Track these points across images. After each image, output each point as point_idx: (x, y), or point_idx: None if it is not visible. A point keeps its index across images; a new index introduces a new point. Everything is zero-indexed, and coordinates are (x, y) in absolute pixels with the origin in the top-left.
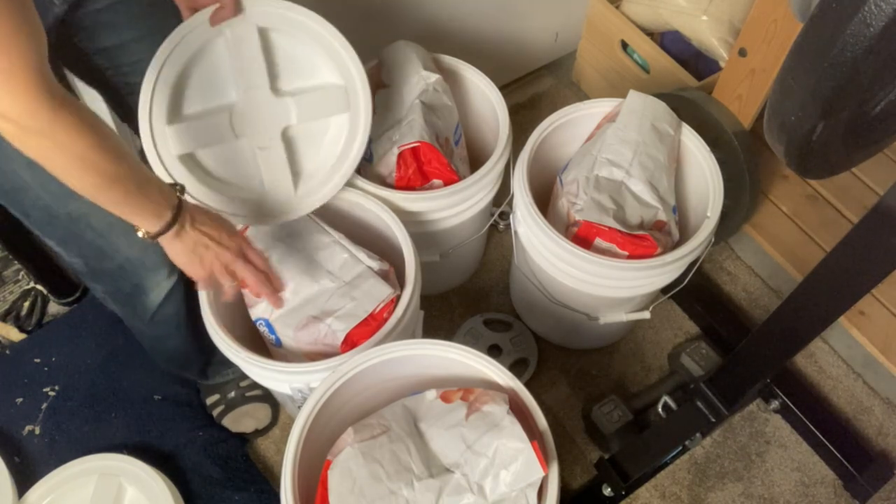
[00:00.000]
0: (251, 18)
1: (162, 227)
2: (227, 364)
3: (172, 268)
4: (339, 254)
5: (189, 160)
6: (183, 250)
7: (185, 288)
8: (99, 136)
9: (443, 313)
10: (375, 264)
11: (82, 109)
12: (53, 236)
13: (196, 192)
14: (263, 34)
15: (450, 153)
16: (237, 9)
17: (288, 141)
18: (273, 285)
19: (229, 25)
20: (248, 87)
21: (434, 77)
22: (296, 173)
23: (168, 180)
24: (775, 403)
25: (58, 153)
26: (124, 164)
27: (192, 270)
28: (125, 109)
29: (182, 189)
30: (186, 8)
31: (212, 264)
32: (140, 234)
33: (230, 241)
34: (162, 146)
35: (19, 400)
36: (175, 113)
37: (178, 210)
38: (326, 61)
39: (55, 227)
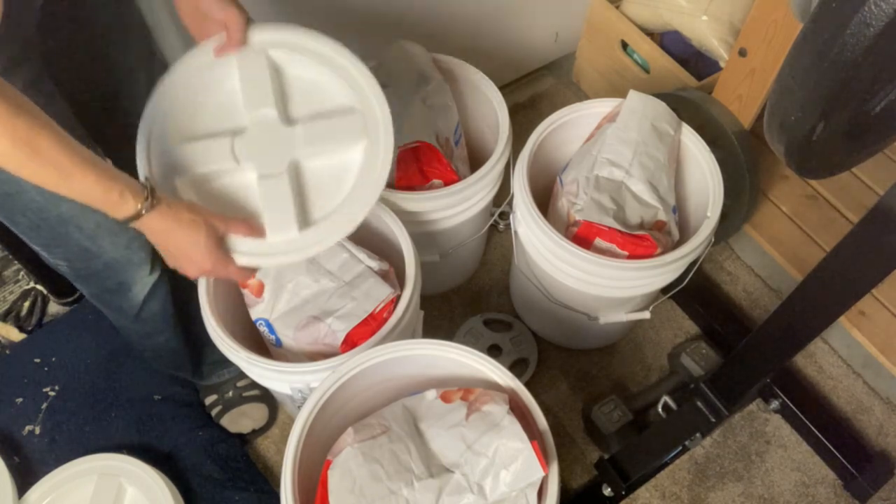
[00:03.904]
0: (258, 46)
1: (137, 208)
2: (223, 364)
3: (155, 264)
4: (339, 254)
5: (186, 187)
6: (175, 224)
7: (171, 285)
8: (38, 118)
9: (443, 313)
10: (375, 264)
11: (16, 95)
12: (39, 240)
13: None
14: (272, 60)
15: (450, 153)
16: (242, 41)
17: (296, 173)
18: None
19: (236, 54)
20: (256, 112)
21: (434, 77)
22: (301, 210)
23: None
24: (775, 403)
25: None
26: (76, 150)
27: (198, 254)
28: (95, 118)
29: (147, 181)
30: (195, 33)
31: (209, 236)
32: (121, 219)
33: (205, 211)
34: (157, 167)
35: (19, 400)
36: (175, 136)
37: (150, 195)
38: (340, 85)
39: (42, 231)
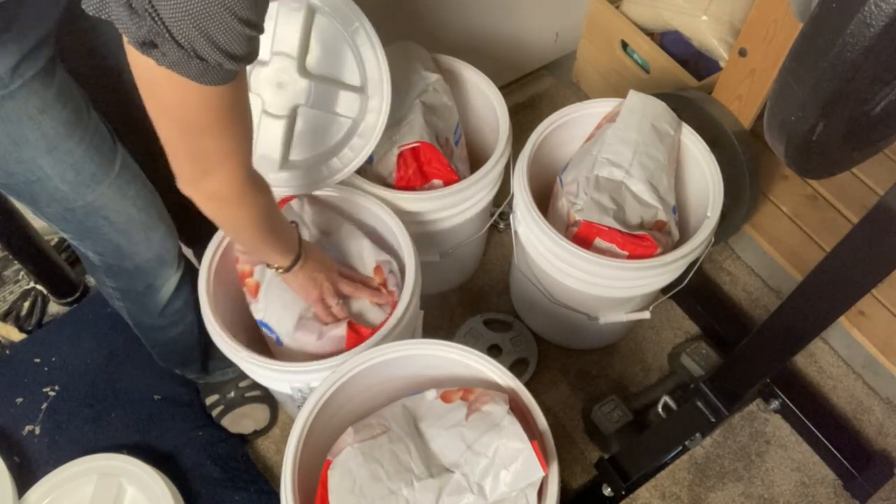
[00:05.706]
0: None
1: (291, 262)
2: (228, 360)
3: (180, 260)
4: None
5: None
6: (303, 278)
7: (191, 278)
8: (269, 196)
9: (443, 313)
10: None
11: (260, 177)
12: (69, 230)
13: None
14: (310, 13)
15: (450, 153)
16: None
17: (292, 120)
18: (370, 287)
19: None
20: (279, 52)
21: (434, 77)
22: (285, 154)
23: None
24: (775, 403)
25: (243, 213)
26: (278, 216)
27: (308, 294)
28: (114, 103)
29: (297, 225)
30: None
31: (322, 286)
32: (274, 269)
33: (333, 266)
34: None
35: (19, 400)
36: None
37: (300, 246)
38: (355, 64)
39: (70, 221)
